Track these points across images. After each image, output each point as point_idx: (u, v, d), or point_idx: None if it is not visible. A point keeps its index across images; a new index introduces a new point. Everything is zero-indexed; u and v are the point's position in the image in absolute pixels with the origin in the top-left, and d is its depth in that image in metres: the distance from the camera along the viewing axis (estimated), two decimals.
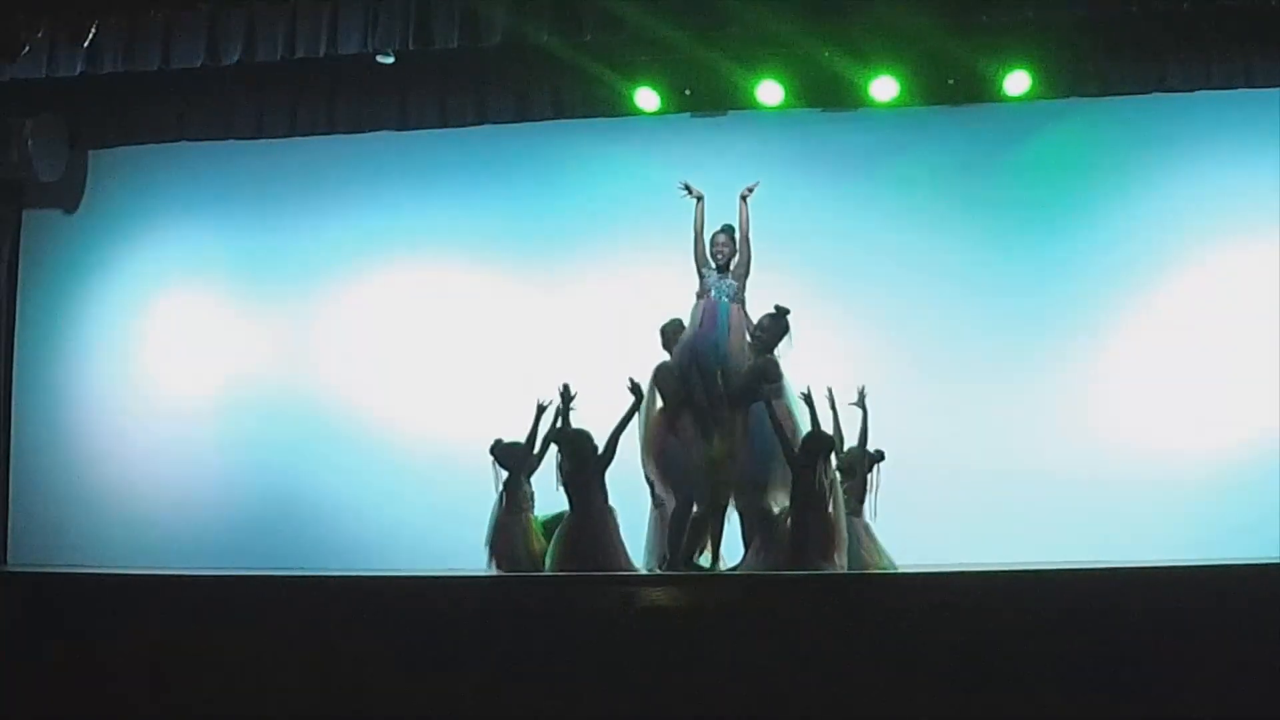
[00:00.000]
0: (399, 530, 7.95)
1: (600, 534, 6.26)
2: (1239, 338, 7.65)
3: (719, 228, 6.58)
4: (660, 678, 4.82)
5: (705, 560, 6.49)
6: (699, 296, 6.54)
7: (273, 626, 5.17)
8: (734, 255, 6.57)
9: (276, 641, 5.09)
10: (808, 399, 6.33)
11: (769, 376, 6.35)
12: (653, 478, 6.42)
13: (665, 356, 6.53)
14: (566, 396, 6.43)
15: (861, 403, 6.53)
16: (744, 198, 6.59)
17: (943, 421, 7.79)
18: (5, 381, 8.84)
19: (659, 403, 6.47)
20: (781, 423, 6.21)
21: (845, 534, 6.13)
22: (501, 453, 6.56)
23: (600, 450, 6.32)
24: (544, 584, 5.98)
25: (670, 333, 6.60)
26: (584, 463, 6.32)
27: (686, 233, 6.58)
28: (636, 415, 6.41)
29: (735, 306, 6.51)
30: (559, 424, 6.46)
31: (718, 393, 6.32)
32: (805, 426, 6.27)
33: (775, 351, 6.45)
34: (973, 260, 8.06)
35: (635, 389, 6.37)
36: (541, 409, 6.53)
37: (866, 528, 6.42)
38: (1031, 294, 8.00)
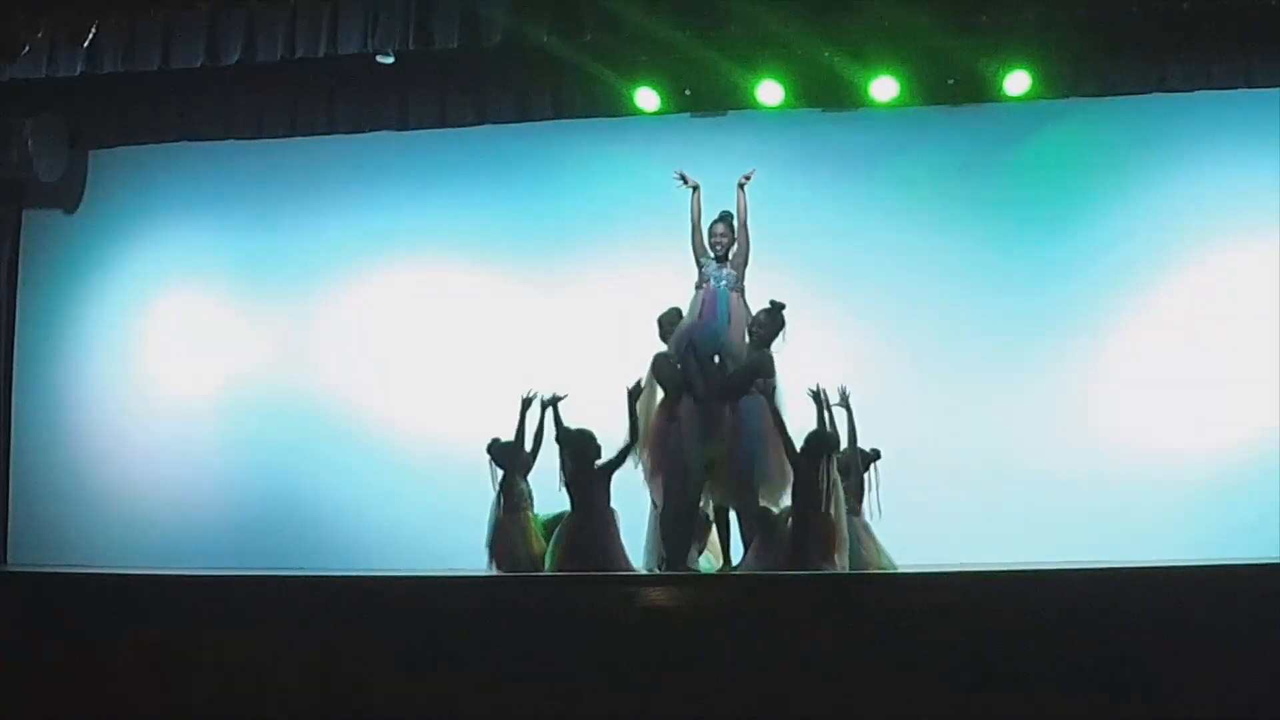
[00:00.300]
0: (399, 530, 7.95)
1: (600, 535, 6.26)
2: (1239, 338, 7.65)
3: (716, 216, 6.58)
4: (660, 678, 4.83)
5: (706, 561, 6.50)
6: (697, 287, 6.55)
7: (273, 626, 5.18)
8: (732, 244, 6.57)
9: (276, 641, 5.10)
10: (816, 396, 6.33)
11: (763, 372, 6.35)
12: (646, 468, 6.41)
13: (662, 348, 6.52)
14: (554, 401, 6.45)
15: (845, 403, 6.52)
16: (741, 186, 6.59)
17: (943, 421, 7.79)
18: (5, 381, 8.84)
19: (658, 392, 6.47)
20: (781, 421, 6.22)
21: (846, 534, 6.13)
22: (497, 452, 6.57)
23: (612, 458, 6.33)
24: (544, 584, 5.98)
25: (667, 322, 6.60)
26: (587, 462, 6.33)
27: (686, 233, 6.58)
28: (640, 409, 6.44)
29: (735, 295, 6.51)
30: (545, 424, 6.48)
31: (719, 382, 6.31)
32: (789, 426, 6.28)
33: (770, 347, 6.45)
34: (973, 260, 8.06)
35: (632, 391, 6.37)
36: (526, 403, 6.54)
37: (866, 527, 6.41)
38: (1031, 294, 8.00)
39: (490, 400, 7.52)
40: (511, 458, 6.55)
